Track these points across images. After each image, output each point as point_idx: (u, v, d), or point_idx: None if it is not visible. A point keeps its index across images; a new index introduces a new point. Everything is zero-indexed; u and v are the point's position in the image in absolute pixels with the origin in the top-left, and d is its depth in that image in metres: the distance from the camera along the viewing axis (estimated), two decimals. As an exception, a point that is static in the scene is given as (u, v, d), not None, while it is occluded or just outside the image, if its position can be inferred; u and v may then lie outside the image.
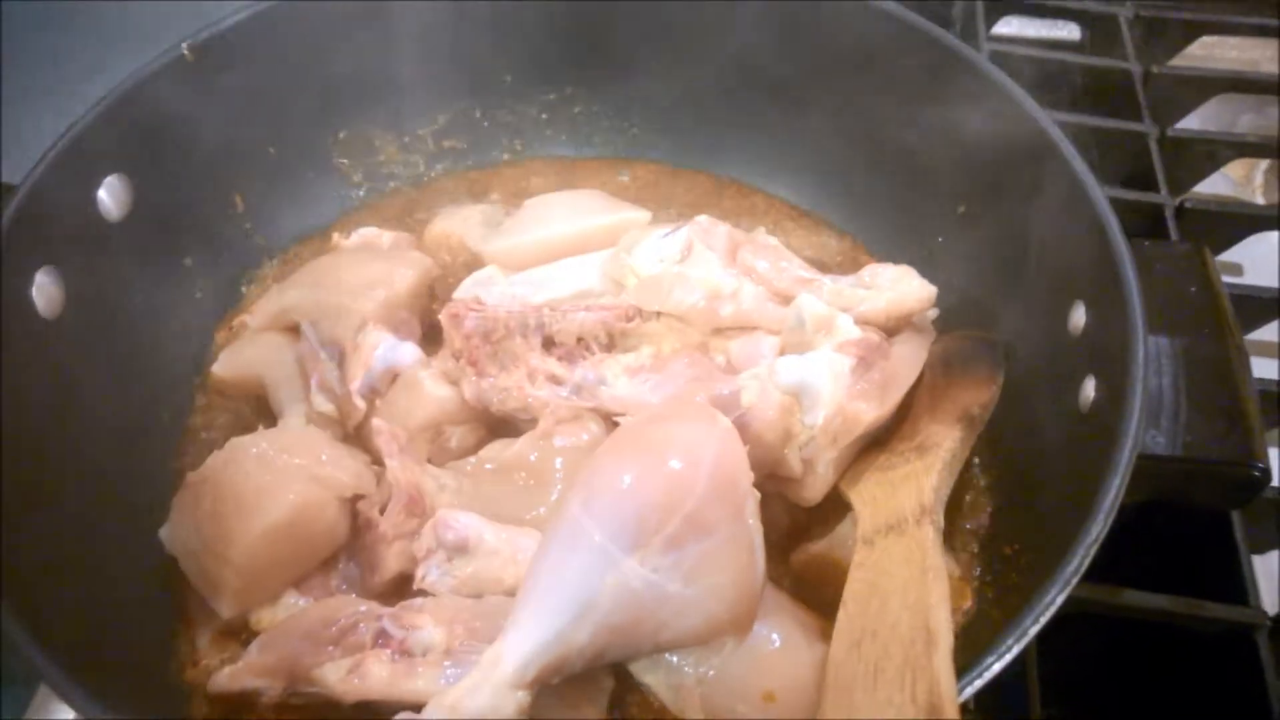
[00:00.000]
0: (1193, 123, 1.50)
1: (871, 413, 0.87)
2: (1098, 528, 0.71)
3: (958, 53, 1.03)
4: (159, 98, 1.00)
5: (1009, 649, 0.67)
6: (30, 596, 0.72)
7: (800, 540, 0.92)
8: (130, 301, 1.00)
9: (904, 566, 0.74)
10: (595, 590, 0.77)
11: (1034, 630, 0.67)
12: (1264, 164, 1.54)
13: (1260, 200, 1.50)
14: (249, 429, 1.01)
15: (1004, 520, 0.88)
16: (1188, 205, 1.31)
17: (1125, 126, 1.42)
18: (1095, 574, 0.72)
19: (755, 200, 1.21)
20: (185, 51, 1.00)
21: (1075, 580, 0.69)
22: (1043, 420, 0.92)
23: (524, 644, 0.77)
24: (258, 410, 1.04)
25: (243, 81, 1.07)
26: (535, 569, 0.80)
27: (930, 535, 0.77)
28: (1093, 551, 0.70)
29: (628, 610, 0.77)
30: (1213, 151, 1.40)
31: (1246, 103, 1.60)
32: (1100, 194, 0.88)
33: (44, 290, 0.89)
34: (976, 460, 0.96)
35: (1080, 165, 0.90)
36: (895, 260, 1.00)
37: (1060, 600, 0.68)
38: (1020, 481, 0.93)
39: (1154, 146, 1.40)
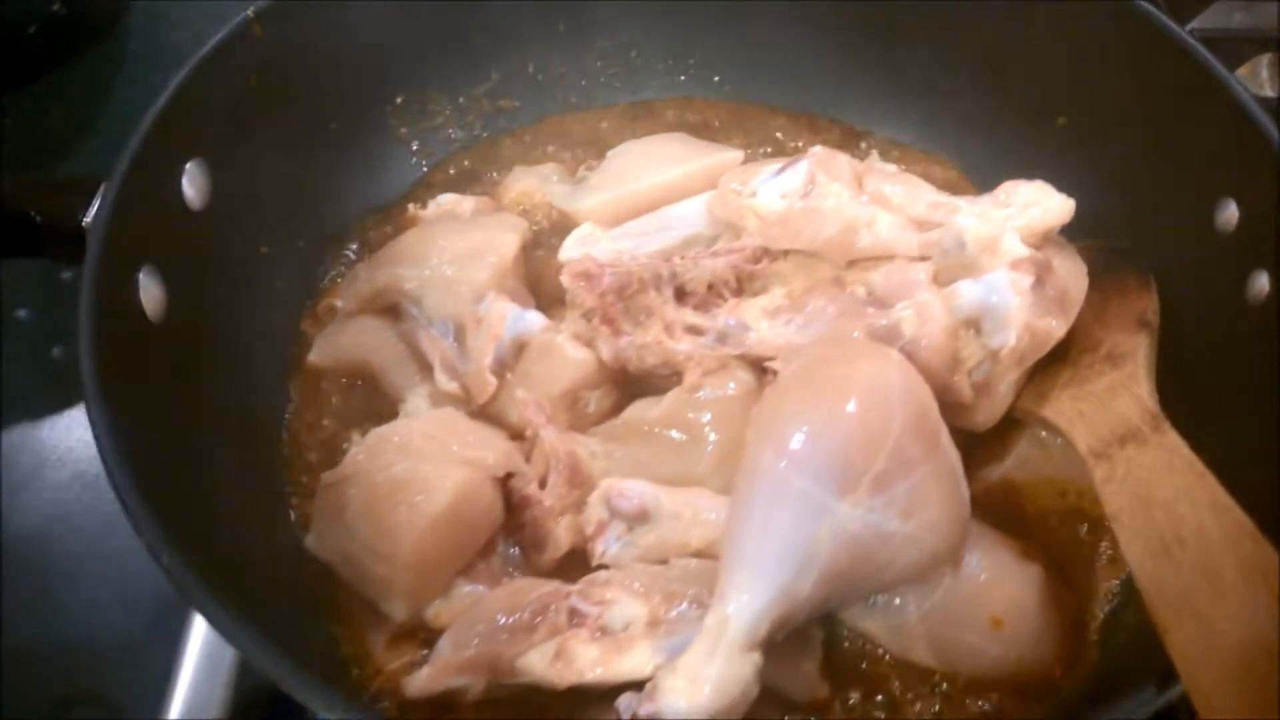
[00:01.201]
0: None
1: (1060, 327, 0.85)
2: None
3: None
4: (226, 75, 0.92)
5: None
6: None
7: (973, 469, 0.90)
8: (218, 297, 0.92)
9: (1170, 473, 0.73)
10: (813, 539, 0.74)
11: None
12: (1265, 58, 1.57)
13: (1270, 94, 1.52)
14: (356, 418, 0.97)
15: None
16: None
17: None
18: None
19: (835, 132, 1.17)
20: (250, 14, 0.92)
21: None
22: (1194, 327, 0.91)
23: (750, 604, 0.74)
24: (360, 397, 0.98)
25: (300, 52, 0.99)
26: (740, 526, 0.77)
27: (1179, 439, 0.76)
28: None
29: (849, 555, 0.75)
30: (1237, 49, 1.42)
31: (1236, 4, 1.63)
32: (1235, 82, 0.87)
33: (148, 290, 0.82)
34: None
35: (1208, 57, 0.89)
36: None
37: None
38: (1175, 394, 0.91)
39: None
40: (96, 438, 0.72)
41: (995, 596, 0.80)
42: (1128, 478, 0.75)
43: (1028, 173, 0.95)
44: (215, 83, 0.92)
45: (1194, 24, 1.48)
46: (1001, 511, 0.89)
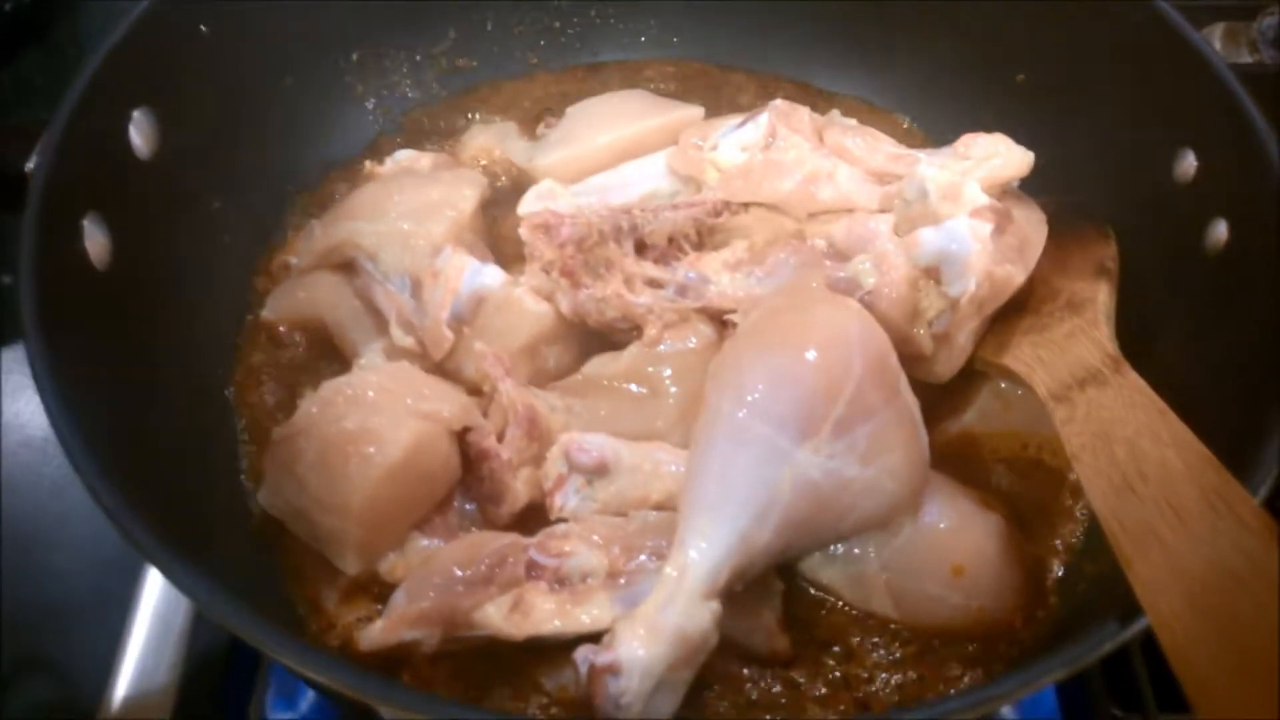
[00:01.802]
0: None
1: (1020, 274, 0.84)
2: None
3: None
4: (174, 24, 0.90)
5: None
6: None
7: (933, 422, 0.90)
8: (168, 249, 0.90)
9: (1132, 411, 0.73)
10: (773, 486, 0.74)
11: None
12: (1219, 27, 1.57)
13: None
14: (309, 375, 0.95)
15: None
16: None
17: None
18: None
19: (793, 90, 1.16)
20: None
21: None
22: (1152, 275, 0.91)
23: (710, 551, 0.73)
24: (314, 354, 0.97)
25: (253, 5, 0.97)
26: (700, 476, 0.76)
27: (1139, 378, 0.76)
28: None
29: (809, 501, 0.75)
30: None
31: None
32: (1194, 32, 0.87)
33: (93, 239, 0.80)
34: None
35: (1167, 8, 0.89)
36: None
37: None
38: (1136, 343, 0.91)
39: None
40: (36, 378, 0.69)
41: (956, 545, 0.79)
42: (1089, 417, 0.75)
43: (987, 129, 0.95)
44: (164, 31, 0.90)
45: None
46: (963, 463, 0.89)
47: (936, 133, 1.13)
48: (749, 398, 0.75)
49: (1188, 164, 0.88)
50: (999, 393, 0.90)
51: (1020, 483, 0.89)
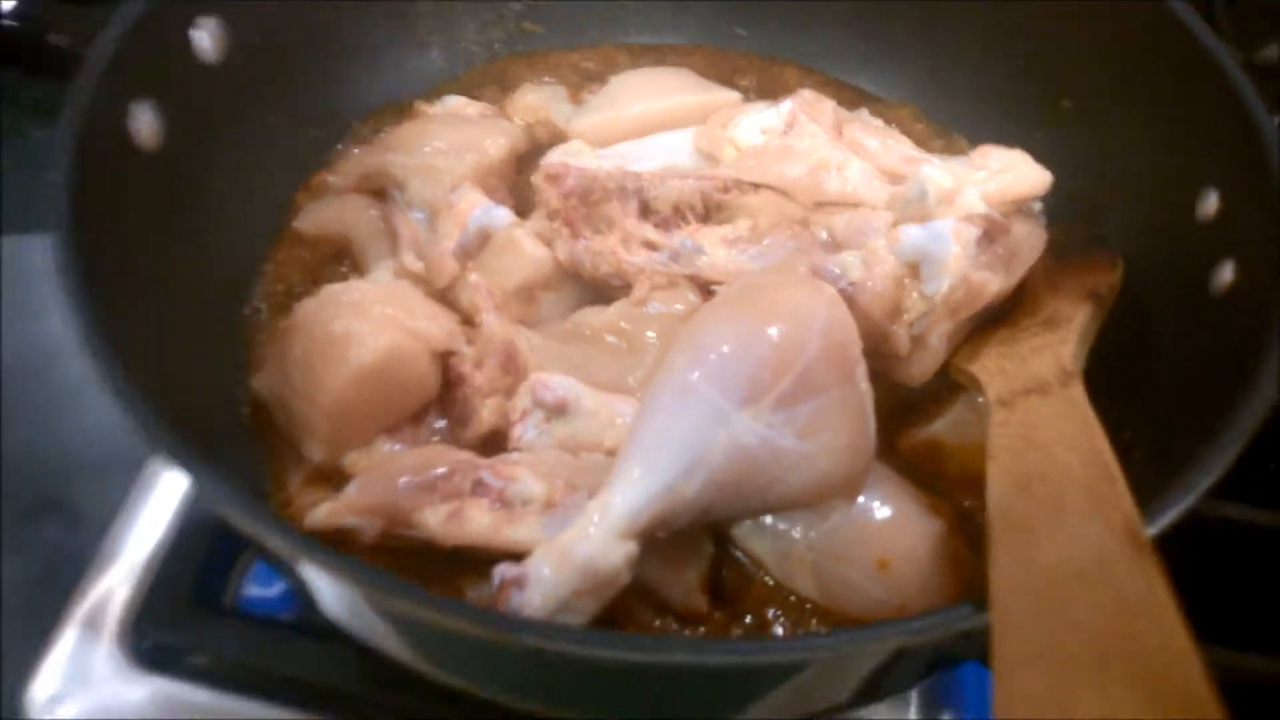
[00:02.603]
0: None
1: (997, 284, 0.85)
2: (1259, 399, 0.69)
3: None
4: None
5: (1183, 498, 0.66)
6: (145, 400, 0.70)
7: (904, 425, 0.92)
8: (220, 148, 0.97)
9: (1061, 421, 0.74)
10: (707, 444, 0.76)
11: (1205, 483, 0.66)
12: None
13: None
14: (324, 283, 1.01)
15: (1116, 407, 0.87)
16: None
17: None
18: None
19: (848, 93, 1.18)
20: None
21: (1238, 444, 0.67)
22: (1160, 308, 0.91)
23: (634, 493, 0.76)
24: (334, 266, 1.03)
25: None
26: (643, 424, 0.79)
27: (1082, 393, 0.77)
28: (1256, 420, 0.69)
29: (739, 465, 0.77)
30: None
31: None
32: (1236, 70, 0.87)
33: (143, 122, 0.87)
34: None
35: (1212, 42, 0.89)
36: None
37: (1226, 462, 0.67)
38: (1135, 371, 0.91)
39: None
40: (55, 246, 0.74)
41: (887, 539, 0.81)
42: (1021, 422, 0.76)
43: (1034, 150, 0.96)
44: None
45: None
46: (926, 469, 0.90)
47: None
48: (702, 359, 0.78)
49: (1210, 203, 0.88)
50: (973, 405, 0.90)
51: (980, 495, 0.88)
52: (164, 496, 1.02)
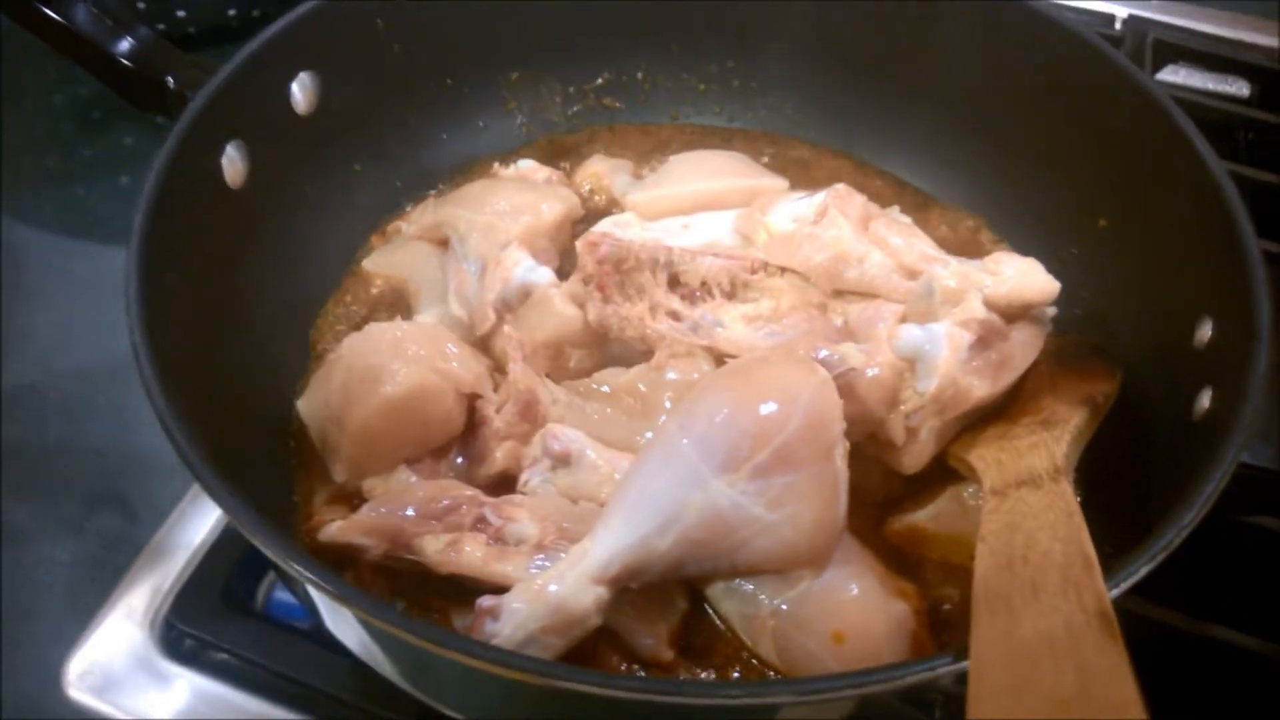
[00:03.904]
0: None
1: (982, 390, 0.89)
2: (1193, 511, 0.72)
3: (1127, 73, 1.04)
4: (358, 10, 1.09)
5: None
6: (185, 419, 0.78)
7: (894, 511, 0.95)
8: (303, 192, 1.08)
9: (1047, 511, 0.78)
10: (682, 503, 0.81)
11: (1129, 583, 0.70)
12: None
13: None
14: (376, 319, 1.09)
15: (1103, 525, 0.89)
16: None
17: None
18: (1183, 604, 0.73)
19: (900, 188, 1.23)
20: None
21: (1171, 542, 0.71)
22: (1151, 431, 0.93)
23: (609, 542, 0.81)
24: (391, 307, 1.12)
25: (435, 12, 1.15)
26: (630, 480, 0.85)
27: (1070, 489, 0.81)
28: (1186, 530, 0.72)
29: (710, 526, 0.82)
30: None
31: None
32: (1242, 210, 0.89)
33: (232, 161, 0.98)
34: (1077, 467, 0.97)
35: (1229, 188, 0.91)
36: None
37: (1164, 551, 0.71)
38: (1123, 491, 0.93)
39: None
40: (128, 259, 0.84)
41: (846, 613, 0.83)
42: (1011, 510, 0.80)
43: (1056, 263, 1.00)
44: (348, 14, 1.08)
45: None
46: (904, 554, 0.93)
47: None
48: (691, 425, 0.84)
49: (1205, 330, 0.90)
50: (960, 499, 0.93)
51: (952, 587, 0.91)
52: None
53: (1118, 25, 1.61)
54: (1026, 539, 0.76)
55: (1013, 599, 0.69)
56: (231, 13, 1.64)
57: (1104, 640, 0.65)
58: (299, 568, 0.70)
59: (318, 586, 0.69)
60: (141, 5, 1.55)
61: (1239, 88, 1.62)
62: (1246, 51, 1.60)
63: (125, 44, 1.02)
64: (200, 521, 1.09)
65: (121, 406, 1.21)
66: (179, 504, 1.11)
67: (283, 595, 1.08)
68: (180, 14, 1.59)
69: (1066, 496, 0.80)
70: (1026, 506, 0.80)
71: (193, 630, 1.02)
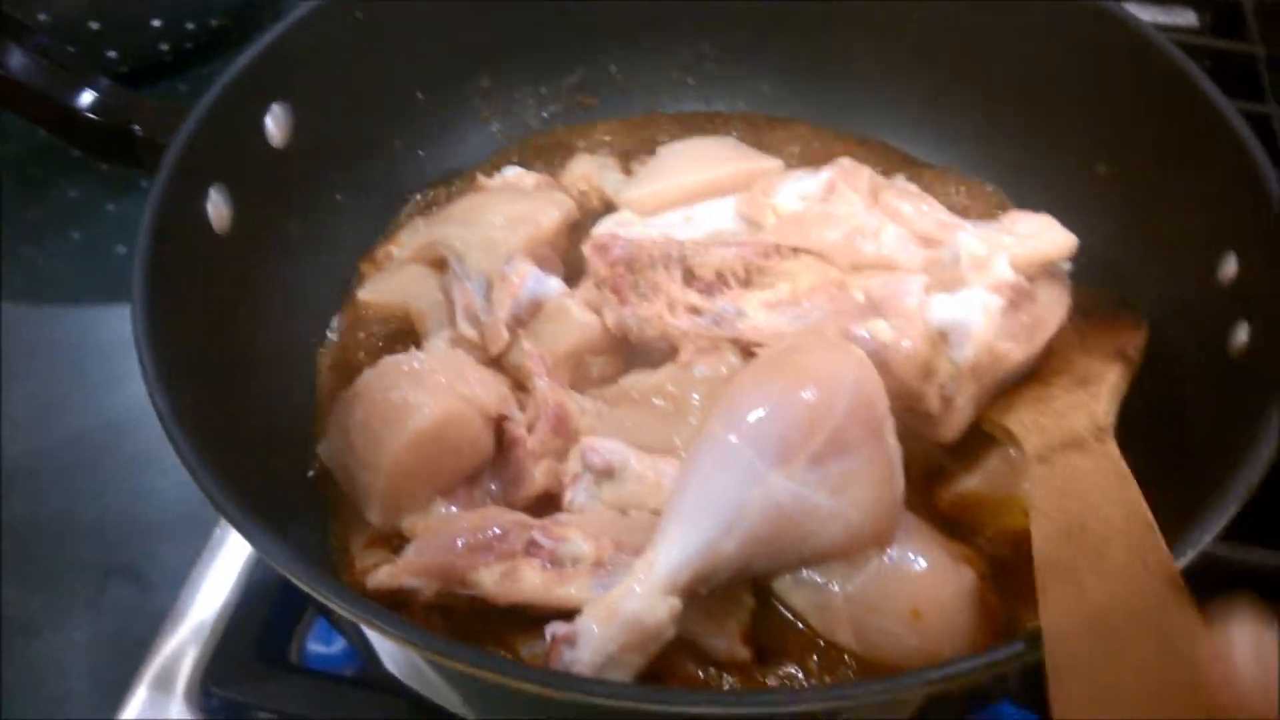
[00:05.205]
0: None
1: (1018, 353, 0.88)
2: (1262, 452, 0.72)
3: (1116, 16, 1.04)
4: (322, 34, 1.05)
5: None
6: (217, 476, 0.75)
7: (941, 481, 0.94)
8: (288, 228, 1.04)
9: (1098, 475, 0.78)
10: (743, 503, 0.80)
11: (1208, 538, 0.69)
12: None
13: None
14: (387, 352, 1.06)
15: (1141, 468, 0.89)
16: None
17: (1248, 108, 1.41)
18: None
19: (889, 155, 1.22)
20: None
21: (1242, 496, 0.70)
22: (1181, 371, 0.93)
23: (676, 552, 0.79)
24: (395, 336, 1.08)
25: (399, 26, 1.11)
26: (683, 486, 0.83)
27: (1116, 449, 0.81)
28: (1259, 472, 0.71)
29: (774, 522, 0.80)
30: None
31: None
32: (1259, 148, 0.89)
33: (216, 205, 0.94)
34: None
35: (1238, 121, 0.91)
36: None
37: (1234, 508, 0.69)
38: (1157, 432, 0.93)
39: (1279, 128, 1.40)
40: (134, 319, 0.80)
41: (919, 589, 0.83)
42: (1060, 475, 0.80)
43: (1067, 213, 0.99)
44: (313, 39, 1.04)
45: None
46: (961, 522, 0.92)
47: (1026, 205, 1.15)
48: (738, 422, 0.82)
49: (1230, 267, 0.90)
50: (1008, 459, 0.92)
51: (1011, 547, 0.90)
52: (232, 557, 1.07)
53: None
54: (1082, 505, 0.75)
55: (1077, 568, 0.69)
56: (164, 47, 1.59)
57: (1176, 602, 0.64)
58: (382, 621, 0.67)
59: (409, 644, 0.67)
60: (71, 49, 1.49)
61: (1186, 19, 1.64)
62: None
63: (86, 96, 0.97)
64: (219, 583, 1.06)
65: (119, 474, 1.16)
66: (193, 568, 1.07)
67: (317, 646, 1.05)
68: (112, 54, 1.53)
69: (1115, 457, 0.80)
70: (1076, 471, 0.80)
71: (231, 693, 0.98)
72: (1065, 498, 0.76)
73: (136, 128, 0.97)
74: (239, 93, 0.97)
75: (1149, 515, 0.71)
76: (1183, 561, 0.67)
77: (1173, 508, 0.82)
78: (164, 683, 1.00)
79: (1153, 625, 0.63)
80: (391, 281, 1.09)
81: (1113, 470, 0.78)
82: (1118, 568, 0.67)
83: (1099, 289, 1.00)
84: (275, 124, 1.02)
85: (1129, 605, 0.64)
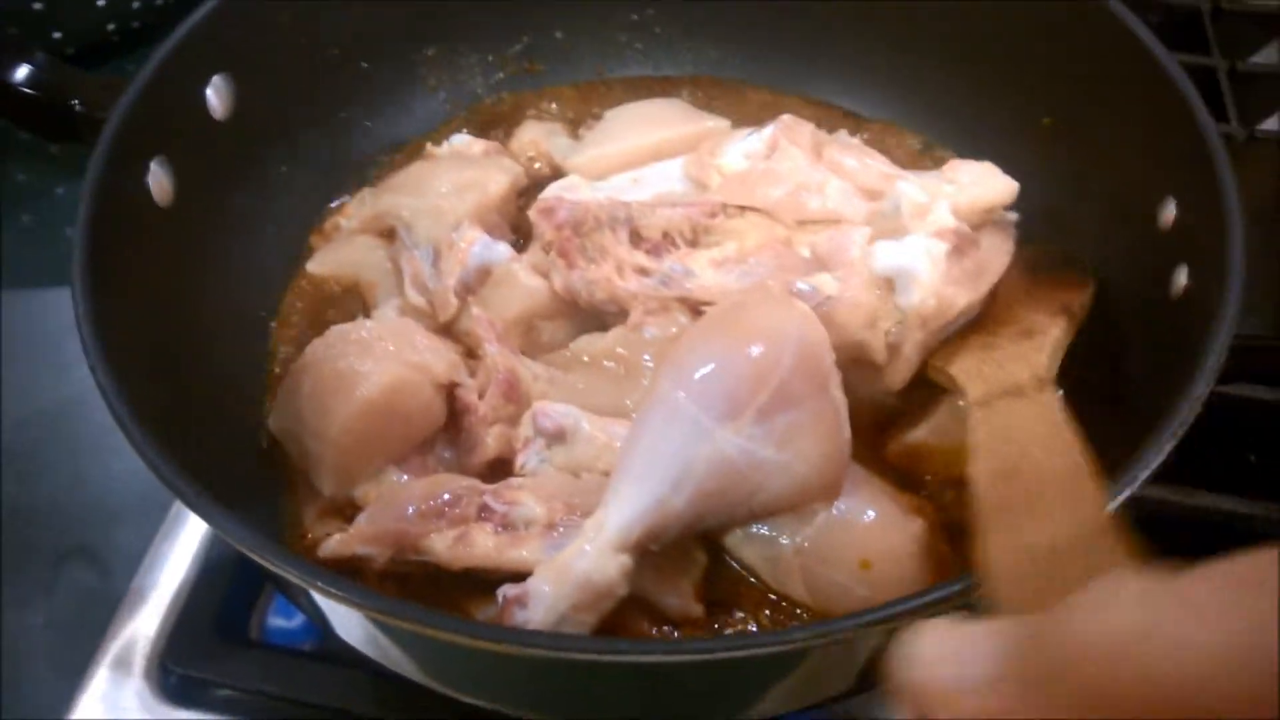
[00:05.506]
0: (1262, 59, 1.50)
1: (964, 297, 0.89)
2: (1199, 388, 0.73)
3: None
4: (263, 4, 1.04)
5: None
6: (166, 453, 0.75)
7: (890, 433, 0.95)
8: (232, 198, 1.03)
9: (1035, 423, 0.79)
10: (692, 459, 0.80)
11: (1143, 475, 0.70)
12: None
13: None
14: (337, 323, 1.05)
15: (1094, 421, 0.90)
16: (1258, 135, 1.34)
17: (1194, 60, 1.42)
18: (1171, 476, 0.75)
19: (833, 113, 1.22)
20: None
21: (1179, 431, 0.71)
22: (1127, 316, 0.94)
23: (625, 510, 0.80)
24: (345, 306, 1.08)
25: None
26: (631, 444, 0.83)
27: (1054, 398, 0.82)
28: (1195, 407, 0.72)
29: (723, 476, 0.80)
30: (1283, 85, 1.41)
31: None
32: (1195, 95, 0.90)
33: (158, 179, 0.93)
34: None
35: (1175, 69, 0.92)
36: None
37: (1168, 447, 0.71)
38: (1099, 378, 0.94)
39: (1224, 80, 1.41)
40: (74, 297, 0.80)
41: (867, 540, 0.83)
42: (999, 421, 0.81)
43: (1013, 165, 1.00)
44: (253, 9, 1.02)
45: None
46: (909, 473, 0.93)
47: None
48: (685, 380, 0.82)
49: (1169, 212, 0.91)
50: (956, 410, 0.92)
51: (960, 497, 0.91)
52: (189, 537, 1.06)
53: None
54: (1019, 450, 0.77)
55: (1014, 510, 0.71)
56: (111, 27, 1.56)
57: (1105, 544, 0.65)
58: (334, 587, 0.67)
59: (358, 606, 0.67)
60: (13, 31, 1.46)
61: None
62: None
63: (22, 71, 0.95)
64: (176, 563, 1.05)
65: (73, 457, 1.15)
66: (149, 548, 1.06)
67: (278, 621, 1.05)
68: (56, 35, 1.51)
69: (1053, 407, 0.81)
70: (1012, 416, 0.82)
71: (190, 670, 0.98)
72: (1004, 443, 0.78)
73: (76, 103, 0.96)
74: (178, 65, 0.95)
75: (1082, 459, 0.72)
76: (1115, 503, 0.69)
77: (1116, 451, 0.84)
78: (123, 663, 0.99)
79: (1083, 566, 0.64)
80: (340, 253, 1.09)
81: (1050, 417, 0.79)
82: (1052, 510, 0.68)
83: (1046, 245, 1.01)
84: (217, 96, 1.00)
85: (1062, 547, 0.65)
